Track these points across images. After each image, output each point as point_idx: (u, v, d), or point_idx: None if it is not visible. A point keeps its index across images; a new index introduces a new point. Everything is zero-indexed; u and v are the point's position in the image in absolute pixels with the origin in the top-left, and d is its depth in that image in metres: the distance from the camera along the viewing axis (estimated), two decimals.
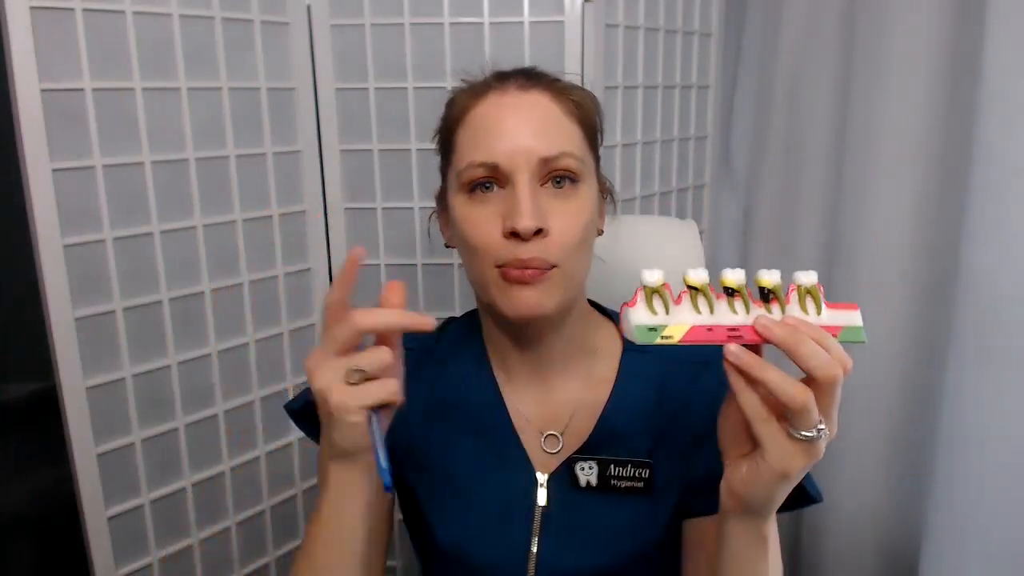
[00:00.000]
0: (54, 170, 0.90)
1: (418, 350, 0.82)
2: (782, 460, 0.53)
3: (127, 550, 1.03)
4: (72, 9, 0.89)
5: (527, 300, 0.67)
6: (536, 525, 0.73)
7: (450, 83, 1.13)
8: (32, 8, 0.86)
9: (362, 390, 0.54)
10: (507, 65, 0.76)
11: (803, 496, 0.70)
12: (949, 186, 1.08)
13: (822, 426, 0.52)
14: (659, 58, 1.32)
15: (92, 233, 0.95)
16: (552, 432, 0.76)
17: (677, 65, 1.37)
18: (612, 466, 0.73)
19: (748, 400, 0.53)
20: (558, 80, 0.73)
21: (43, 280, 0.91)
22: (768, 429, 0.53)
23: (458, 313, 0.89)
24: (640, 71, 1.28)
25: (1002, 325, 0.97)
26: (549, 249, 0.66)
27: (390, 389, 0.55)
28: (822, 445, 0.53)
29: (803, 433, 0.51)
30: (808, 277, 0.55)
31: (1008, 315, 0.97)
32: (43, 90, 0.88)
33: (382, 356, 0.54)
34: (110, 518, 1.00)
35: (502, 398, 0.78)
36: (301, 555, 0.65)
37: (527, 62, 0.87)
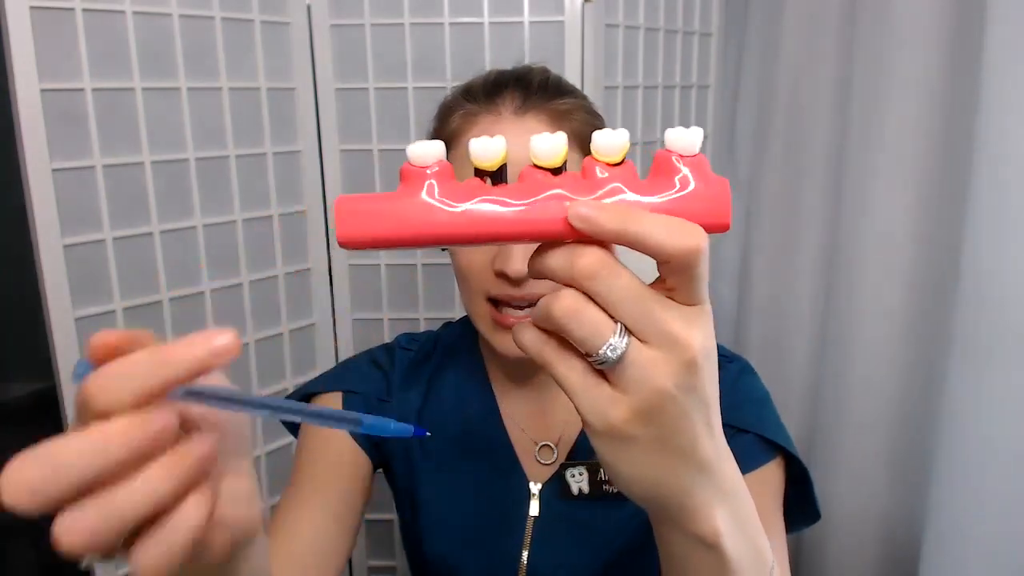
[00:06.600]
0: (54, 170, 0.90)
1: (417, 351, 0.82)
2: (589, 409, 0.34)
3: None
4: (72, 9, 0.89)
5: None
6: (528, 536, 0.72)
7: (450, 83, 1.14)
8: (32, 8, 0.86)
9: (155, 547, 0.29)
10: (507, 65, 0.75)
11: (806, 514, 0.70)
12: (950, 185, 1.08)
13: (619, 340, 0.33)
14: (659, 58, 1.32)
15: (92, 233, 0.95)
16: (547, 443, 0.75)
17: (677, 65, 1.37)
18: (602, 470, 0.71)
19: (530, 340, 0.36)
20: (557, 98, 0.69)
21: (43, 280, 0.91)
22: (564, 371, 0.35)
23: (458, 314, 0.89)
24: (640, 71, 1.28)
25: (1003, 325, 0.97)
26: (541, 282, 0.64)
27: (202, 511, 0.31)
28: (654, 372, 0.33)
29: (599, 355, 0.33)
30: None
31: (1009, 315, 0.97)
32: (43, 90, 0.88)
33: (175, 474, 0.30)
34: None
35: (497, 408, 0.77)
36: None
37: (527, 62, 0.86)
